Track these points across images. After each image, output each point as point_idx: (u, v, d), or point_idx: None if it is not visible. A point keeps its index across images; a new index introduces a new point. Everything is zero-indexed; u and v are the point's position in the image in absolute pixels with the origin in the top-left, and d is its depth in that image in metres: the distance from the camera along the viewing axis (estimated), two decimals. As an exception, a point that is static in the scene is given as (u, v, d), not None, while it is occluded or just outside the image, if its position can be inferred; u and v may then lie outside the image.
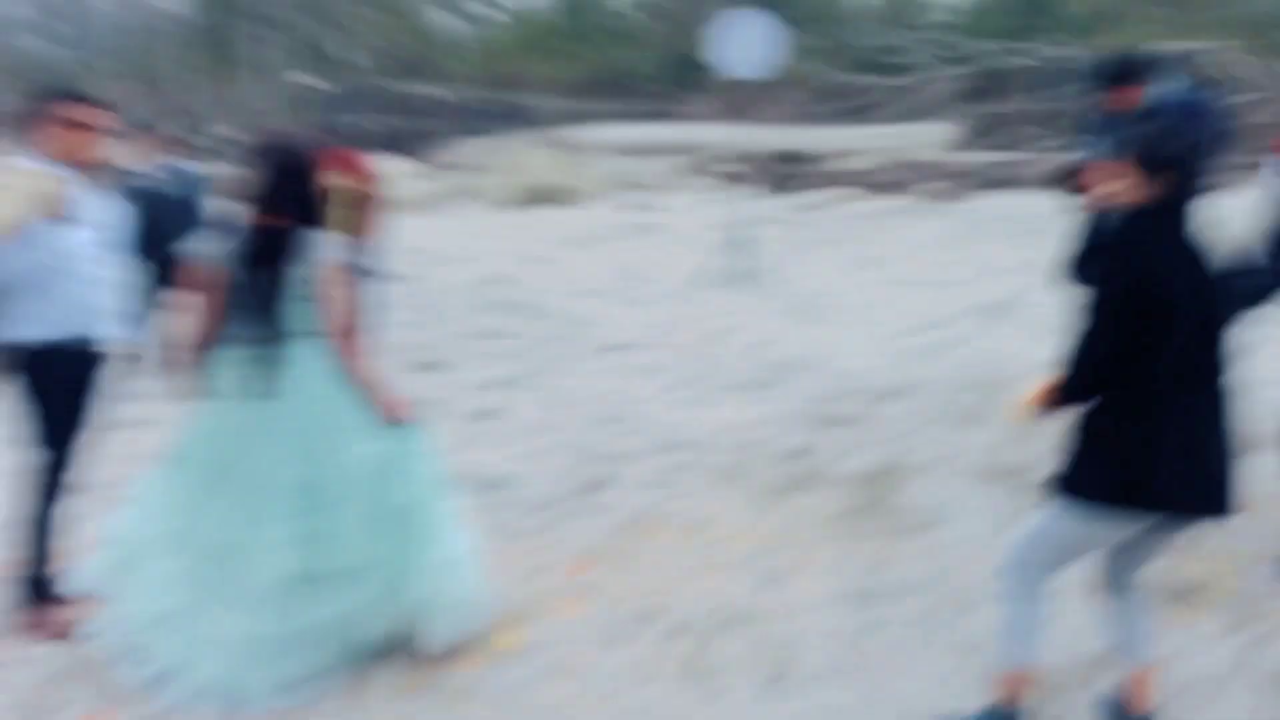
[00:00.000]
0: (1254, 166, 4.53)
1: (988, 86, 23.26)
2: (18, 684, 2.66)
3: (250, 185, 2.63)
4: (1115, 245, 2.23)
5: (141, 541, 2.64)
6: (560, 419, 4.94)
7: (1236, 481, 2.17)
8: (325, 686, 2.57)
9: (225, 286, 2.60)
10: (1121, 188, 2.24)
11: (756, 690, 2.64)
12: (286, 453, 2.55)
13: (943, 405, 4.99)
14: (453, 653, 2.72)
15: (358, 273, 6.16)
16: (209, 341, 2.63)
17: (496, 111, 27.60)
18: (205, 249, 2.64)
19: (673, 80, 35.86)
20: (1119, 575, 2.38)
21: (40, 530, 2.89)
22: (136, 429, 3.97)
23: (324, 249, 2.62)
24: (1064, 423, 2.25)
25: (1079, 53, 22.00)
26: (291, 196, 2.62)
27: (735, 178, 15.86)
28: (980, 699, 2.41)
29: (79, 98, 2.92)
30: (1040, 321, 5.86)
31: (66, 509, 2.93)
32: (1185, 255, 2.17)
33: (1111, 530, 2.20)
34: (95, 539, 2.82)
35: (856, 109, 28.54)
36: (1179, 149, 2.23)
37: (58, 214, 2.75)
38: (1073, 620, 2.73)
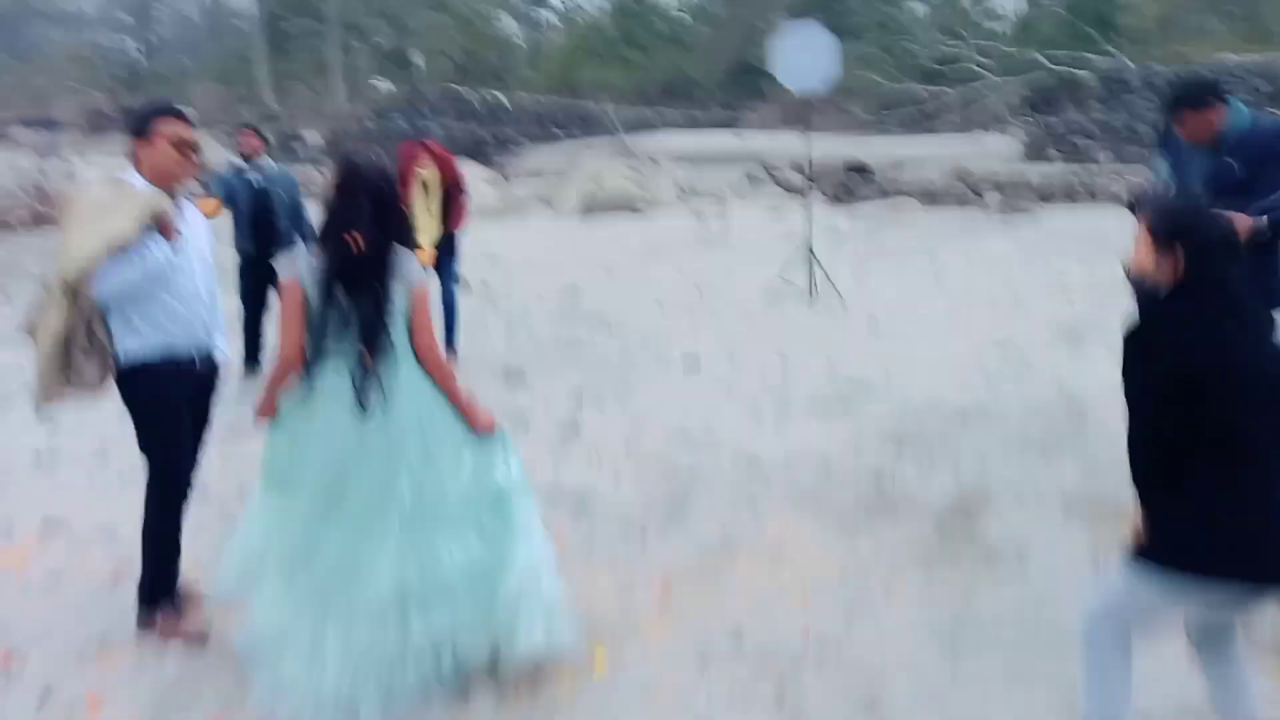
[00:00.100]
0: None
1: (1049, 98, 22.87)
2: (147, 686, 2.83)
3: (342, 206, 2.66)
4: (1141, 329, 2.14)
5: (262, 559, 2.74)
6: (641, 436, 5.03)
7: None
8: (429, 701, 2.66)
9: (322, 307, 2.63)
10: (1148, 261, 2.16)
11: (850, 721, 2.69)
12: (395, 470, 2.64)
13: (1022, 431, 4.98)
14: (545, 669, 2.79)
15: (450, 280, 6.35)
16: (305, 360, 2.67)
17: (564, 118, 27.89)
18: (301, 268, 2.66)
19: (733, 88, 35.84)
20: (1213, 633, 2.30)
21: (157, 540, 3.02)
22: (252, 439, 4.17)
23: (414, 269, 2.73)
24: (1145, 483, 2.19)
25: (1140, 64, 21.52)
26: (384, 218, 2.68)
27: (799, 188, 15.84)
28: (1076, 739, 2.42)
29: (180, 115, 2.97)
30: (1117, 345, 5.74)
31: (184, 518, 3.08)
32: (1228, 330, 2.06)
33: (1198, 596, 2.12)
34: (220, 549, 2.96)
35: (918, 119, 28.24)
36: (1191, 223, 2.13)
37: (164, 232, 2.83)
38: (1176, 666, 2.67)
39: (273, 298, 5.94)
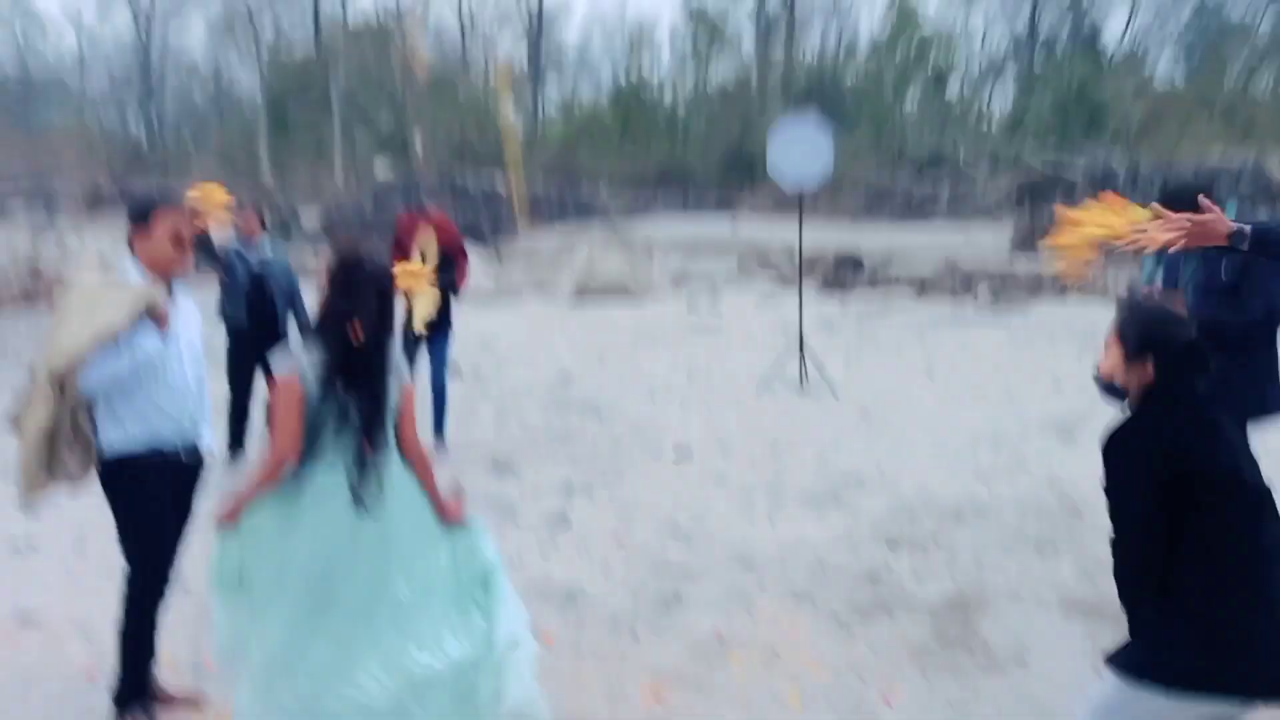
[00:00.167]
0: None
1: (1037, 191, 23.39)
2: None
3: (343, 297, 2.62)
4: (1121, 433, 2.14)
5: (249, 657, 2.65)
6: (632, 529, 4.96)
7: None
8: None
9: (320, 401, 2.58)
10: (1117, 366, 2.18)
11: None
12: (388, 568, 2.59)
13: (1017, 528, 4.93)
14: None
15: (440, 364, 6.34)
16: (299, 457, 2.60)
17: (558, 202, 28.39)
18: (301, 363, 2.59)
19: (727, 174, 36.66)
20: None
21: (131, 638, 2.94)
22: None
23: (402, 366, 2.74)
24: (1130, 591, 2.17)
25: (1127, 160, 22.14)
26: (383, 310, 2.67)
27: (790, 277, 16.02)
28: None
29: (180, 207, 3.01)
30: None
31: (161, 615, 2.99)
32: (1201, 437, 2.08)
33: (1190, 711, 2.07)
34: (200, 647, 2.87)
35: (910, 209, 28.85)
36: (1161, 335, 2.15)
37: (157, 323, 2.83)
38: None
39: (260, 381, 5.92)
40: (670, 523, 5.03)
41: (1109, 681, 2.16)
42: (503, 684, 2.60)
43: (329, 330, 2.61)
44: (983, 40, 43.93)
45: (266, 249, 6.09)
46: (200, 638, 2.92)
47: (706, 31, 45.57)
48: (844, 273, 17.10)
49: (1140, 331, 2.17)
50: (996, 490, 5.55)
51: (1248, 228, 2.51)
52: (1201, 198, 2.53)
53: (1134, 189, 20.00)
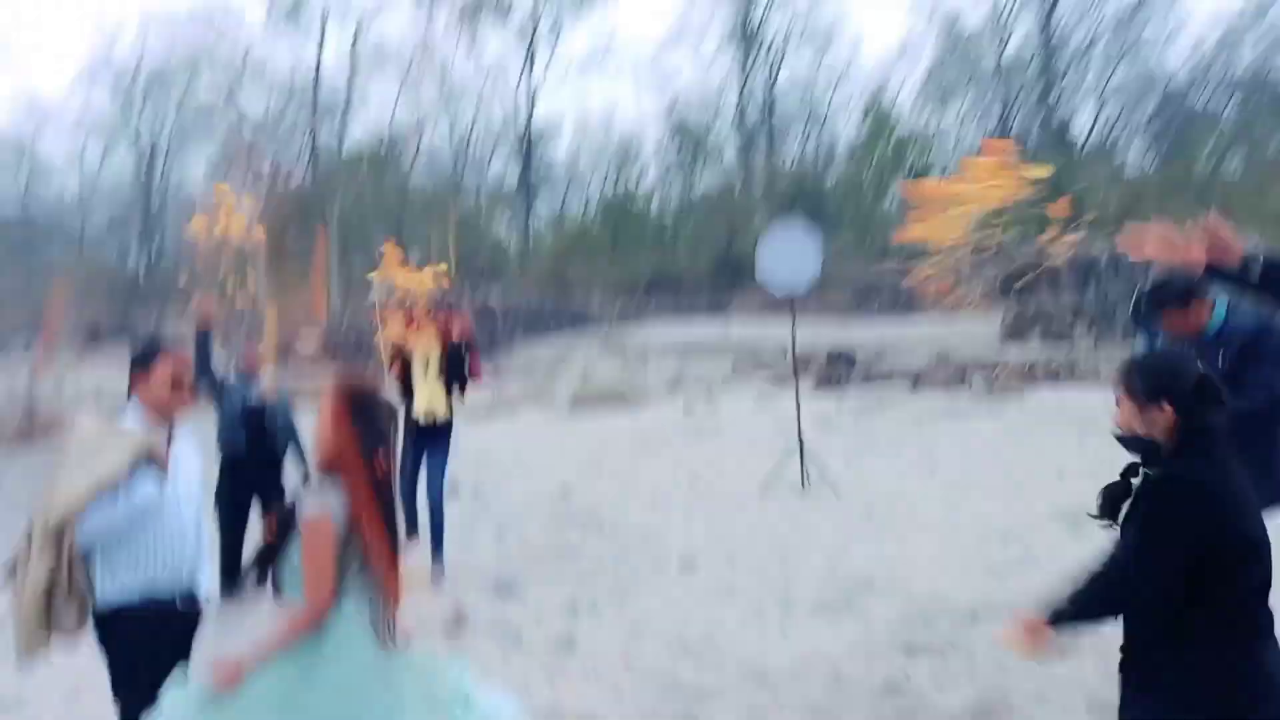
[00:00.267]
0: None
1: (1022, 280, 23.75)
2: None
3: (365, 431, 2.54)
4: (1165, 485, 2.17)
5: None
6: (641, 649, 4.82)
7: None
8: None
9: (347, 539, 2.47)
10: (1135, 421, 2.22)
11: None
12: (403, 704, 2.49)
13: (1035, 629, 4.80)
14: None
15: (437, 483, 6.38)
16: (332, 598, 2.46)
17: (552, 314, 28.75)
18: (330, 501, 2.49)
19: (717, 278, 37.22)
20: None
21: None
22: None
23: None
24: (1140, 660, 2.18)
25: (1107, 247, 22.55)
26: (388, 447, 2.63)
27: (785, 377, 16.11)
28: None
29: (178, 354, 3.04)
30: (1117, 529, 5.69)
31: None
32: (1243, 501, 2.11)
33: None
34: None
35: (897, 303, 29.23)
36: (1169, 373, 2.20)
37: (156, 469, 2.81)
38: None
39: (254, 513, 5.87)
40: (679, 640, 4.90)
41: None
42: None
43: (355, 465, 2.51)
44: (956, 139, 45.41)
45: (266, 382, 6.13)
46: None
47: (690, 143, 47.05)
48: (837, 369, 17.20)
49: (1148, 378, 2.21)
50: (1010, 587, 5.43)
51: (1260, 255, 2.45)
52: (1213, 214, 2.54)
53: (1115, 274, 20.34)
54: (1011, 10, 40.57)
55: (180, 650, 2.97)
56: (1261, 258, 2.46)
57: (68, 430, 3.07)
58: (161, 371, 2.94)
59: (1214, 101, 38.58)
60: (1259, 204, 26.22)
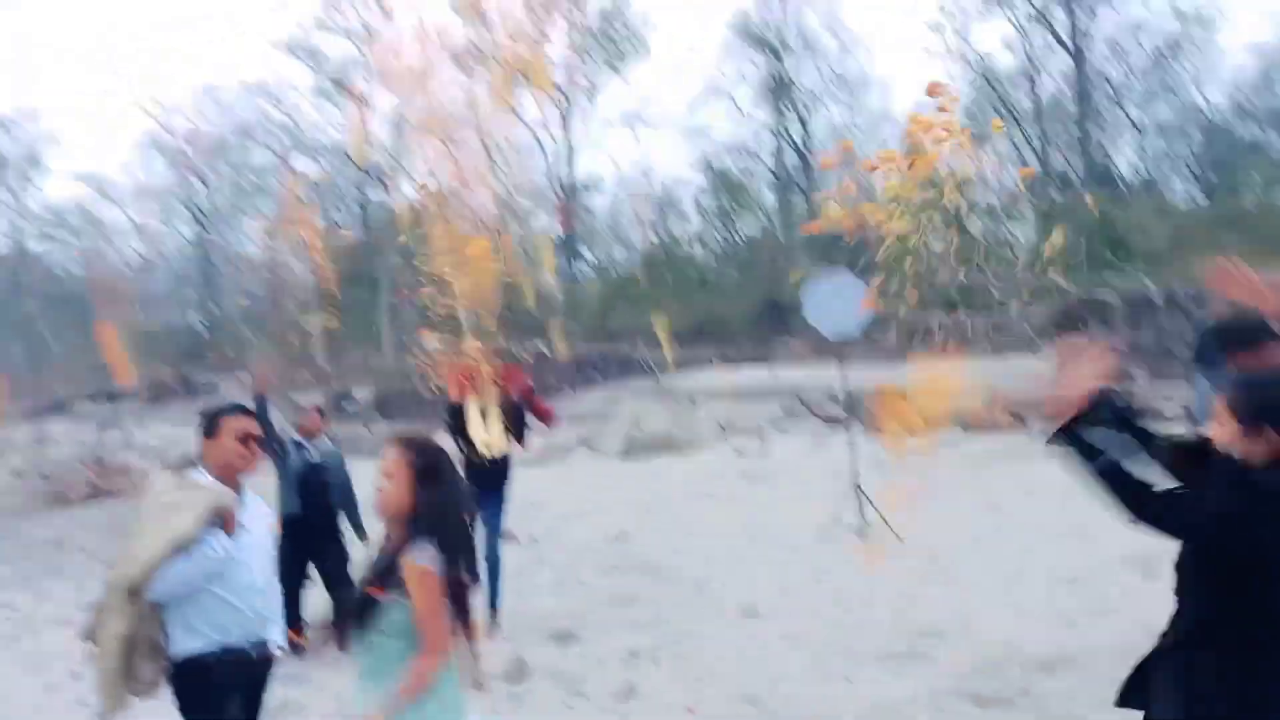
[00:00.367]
0: None
1: (1072, 320, 23.37)
2: None
3: (449, 490, 2.60)
4: (1217, 503, 2.19)
5: None
6: (703, 698, 4.76)
7: None
8: None
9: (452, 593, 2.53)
10: (1233, 438, 2.23)
11: None
12: None
13: (1111, 680, 4.57)
14: None
15: (495, 533, 6.43)
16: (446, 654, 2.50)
17: (599, 362, 28.92)
18: (433, 555, 2.49)
19: (763, 324, 37.18)
20: None
21: None
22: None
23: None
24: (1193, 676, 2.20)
25: (1160, 283, 22.16)
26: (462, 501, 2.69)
27: (837, 420, 15.94)
28: None
29: (244, 411, 3.15)
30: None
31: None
32: None
33: None
34: None
35: (946, 345, 28.91)
36: (1275, 401, 2.21)
37: (226, 527, 2.89)
38: None
39: (313, 571, 5.97)
40: (743, 689, 4.83)
41: None
42: None
43: (448, 520, 2.57)
44: (996, 180, 45.16)
45: (327, 446, 6.25)
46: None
47: (729, 191, 47.41)
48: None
49: (1253, 402, 2.23)
50: (1084, 636, 5.27)
51: None
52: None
53: (1171, 312, 19.92)
54: (1044, 50, 40.46)
55: (253, 701, 3.03)
56: None
57: (142, 486, 3.16)
58: (227, 432, 3.03)
59: (1260, 134, 37.91)
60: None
